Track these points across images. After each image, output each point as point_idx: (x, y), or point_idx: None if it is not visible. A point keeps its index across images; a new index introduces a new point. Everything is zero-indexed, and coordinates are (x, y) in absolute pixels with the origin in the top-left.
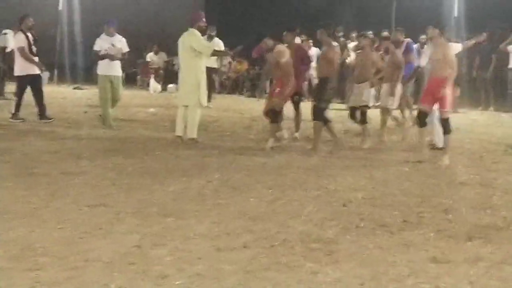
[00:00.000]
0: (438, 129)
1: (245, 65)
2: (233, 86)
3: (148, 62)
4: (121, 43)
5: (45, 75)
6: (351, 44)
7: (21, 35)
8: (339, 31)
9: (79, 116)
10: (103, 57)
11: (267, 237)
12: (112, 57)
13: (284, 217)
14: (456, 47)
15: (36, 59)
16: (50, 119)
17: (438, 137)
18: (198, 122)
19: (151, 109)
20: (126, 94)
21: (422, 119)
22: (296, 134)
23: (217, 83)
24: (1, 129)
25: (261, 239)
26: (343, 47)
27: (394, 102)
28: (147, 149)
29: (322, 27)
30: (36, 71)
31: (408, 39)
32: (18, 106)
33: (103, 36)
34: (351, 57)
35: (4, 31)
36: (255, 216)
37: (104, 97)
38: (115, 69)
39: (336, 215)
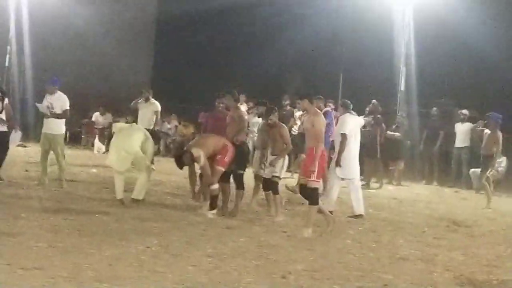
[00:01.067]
0: (356, 196)
1: (191, 129)
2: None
3: (93, 122)
4: (59, 101)
5: (18, 135)
6: (298, 113)
7: None
8: (285, 100)
9: (19, 175)
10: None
11: None
12: (46, 116)
13: (222, 287)
14: (356, 120)
15: (2, 116)
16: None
17: (357, 204)
18: (146, 184)
19: (94, 170)
20: (70, 154)
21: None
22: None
23: (162, 146)
24: None
25: None
26: (290, 116)
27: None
28: (86, 211)
29: (228, 93)
30: (1, 128)
31: (327, 108)
32: None
33: (46, 95)
34: (297, 126)
35: None
36: (192, 285)
37: (41, 153)
38: (51, 127)
39: (275, 287)
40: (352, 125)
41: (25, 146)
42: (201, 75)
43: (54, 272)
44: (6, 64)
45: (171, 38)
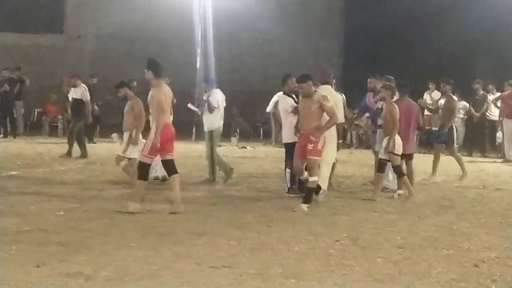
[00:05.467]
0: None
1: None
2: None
3: None
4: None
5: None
6: (491, 97)
7: None
8: (476, 84)
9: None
10: None
11: None
12: None
13: (410, 278)
14: None
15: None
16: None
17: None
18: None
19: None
20: (263, 150)
21: None
22: None
23: (355, 138)
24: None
25: None
26: (483, 100)
27: None
28: (275, 207)
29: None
30: None
31: None
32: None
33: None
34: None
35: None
36: (380, 278)
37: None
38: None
39: (466, 276)
40: None
41: (245, 148)
42: (388, 58)
43: (242, 270)
44: (198, 66)
45: (358, 30)
